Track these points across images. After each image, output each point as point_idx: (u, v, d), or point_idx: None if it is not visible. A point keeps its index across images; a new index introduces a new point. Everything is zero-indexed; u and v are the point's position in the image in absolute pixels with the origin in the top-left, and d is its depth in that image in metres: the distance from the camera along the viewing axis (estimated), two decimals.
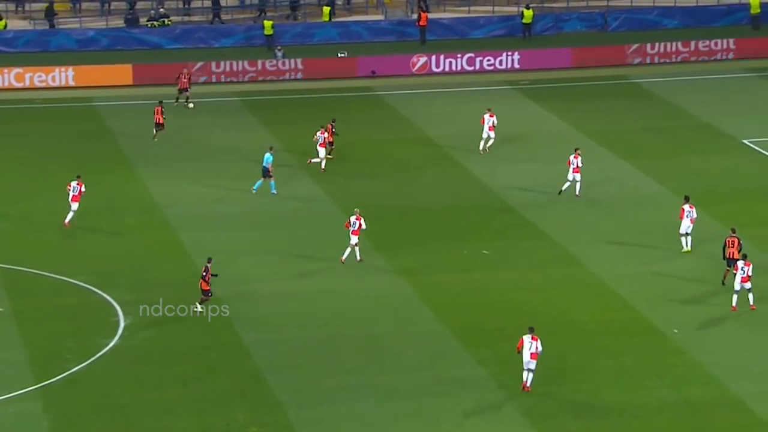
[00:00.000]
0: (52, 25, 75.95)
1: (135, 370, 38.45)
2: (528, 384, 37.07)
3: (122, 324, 41.21)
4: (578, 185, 51.59)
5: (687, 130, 61.05)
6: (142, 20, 76.79)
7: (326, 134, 54.91)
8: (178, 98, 63.22)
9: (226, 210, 51.10)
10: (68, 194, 48.61)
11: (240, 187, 53.23)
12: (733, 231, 43.90)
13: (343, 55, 71.91)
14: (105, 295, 43.19)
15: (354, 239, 45.31)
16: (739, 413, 36.11)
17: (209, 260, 41.85)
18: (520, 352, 37.07)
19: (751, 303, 41.97)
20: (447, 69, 71.06)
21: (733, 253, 43.35)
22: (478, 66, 71.21)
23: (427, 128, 61.21)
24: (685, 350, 39.49)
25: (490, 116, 56.99)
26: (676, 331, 40.78)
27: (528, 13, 75.75)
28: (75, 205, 48.53)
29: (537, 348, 36.92)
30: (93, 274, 44.72)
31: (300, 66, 70.02)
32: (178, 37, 74.60)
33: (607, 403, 36.58)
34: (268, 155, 52.28)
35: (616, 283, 44.07)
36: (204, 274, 41.52)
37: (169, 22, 76.41)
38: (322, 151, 54.70)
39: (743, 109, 63.85)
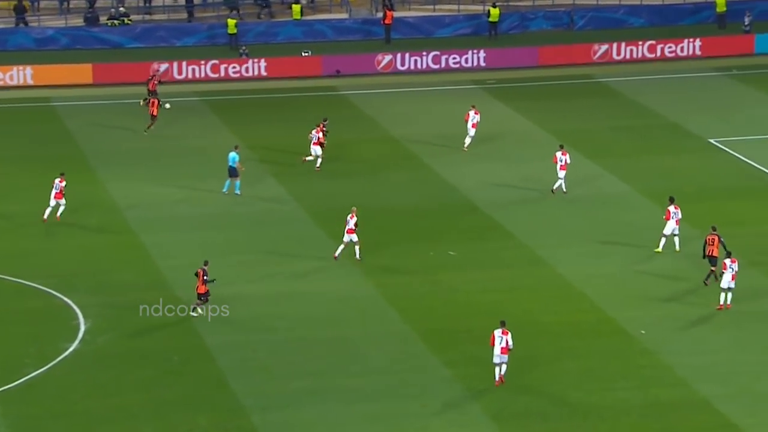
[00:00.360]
0: (24, 23, 75.12)
1: (95, 375, 38.03)
2: (502, 374, 37.19)
3: (83, 328, 40.78)
4: (559, 182, 51.49)
5: (653, 129, 61.01)
6: (102, 19, 76.04)
7: (320, 134, 54.55)
8: (145, 99, 62.56)
9: (189, 211, 50.70)
10: (51, 190, 48.56)
11: (202, 188, 52.81)
12: (714, 229, 43.79)
13: (307, 54, 71.49)
14: (65, 299, 42.75)
15: (349, 237, 45.15)
16: (707, 414, 36.06)
17: (205, 263, 41.44)
18: (493, 346, 37.23)
19: (728, 302, 41.89)
20: (412, 68, 70.75)
21: (713, 251, 43.25)
22: (443, 65, 70.97)
23: (392, 128, 60.92)
24: (652, 351, 39.40)
25: (475, 113, 56.73)
26: (643, 332, 40.68)
27: (494, 12, 75.55)
28: (59, 201, 48.49)
29: (507, 342, 37.06)
30: (53, 278, 44.26)
31: (263, 65, 69.52)
32: (138, 36, 74.03)
33: (573, 405, 36.45)
34: (233, 154, 51.89)
35: (582, 284, 43.94)
36: (205, 277, 41.05)
37: (130, 21, 75.77)
38: (315, 150, 54.32)
39: (710, 109, 63.87)
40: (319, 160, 54.49)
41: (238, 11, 77.54)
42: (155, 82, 62.97)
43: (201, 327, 40.78)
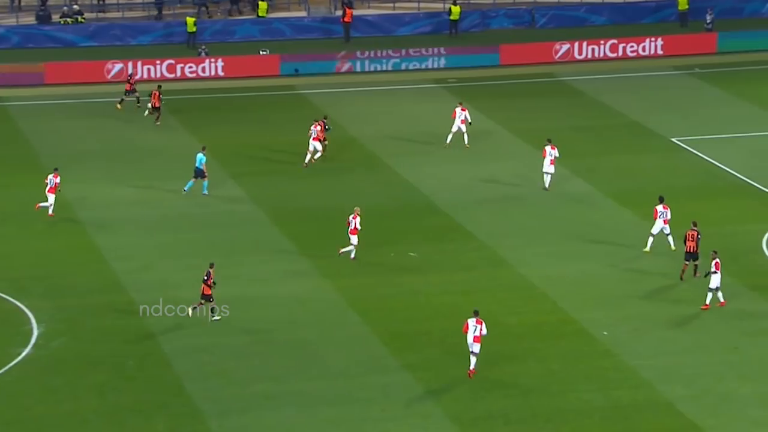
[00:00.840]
0: None
1: (48, 381, 37.50)
2: (472, 367, 37.36)
3: (35, 332, 40.21)
4: (550, 178, 51.37)
5: (616, 129, 60.84)
6: (55, 17, 75.14)
7: (319, 128, 54.16)
8: (139, 100, 61.97)
9: (144, 213, 50.10)
10: (46, 186, 48.51)
11: (159, 190, 52.21)
12: (694, 225, 43.84)
13: (264, 52, 70.80)
14: (17, 303, 42.10)
15: (353, 239, 44.94)
16: (669, 417, 35.93)
17: (211, 265, 40.95)
18: (466, 333, 37.46)
19: (708, 302, 41.92)
20: (372, 67, 70.19)
21: (692, 246, 43.32)
22: (403, 64, 70.41)
23: (351, 128, 60.42)
24: (614, 353, 39.21)
25: (462, 110, 56.48)
26: (605, 333, 40.41)
27: (455, 10, 75.19)
28: (51, 197, 48.45)
29: (481, 331, 37.27)
30: (4, 281, 43.59)
31: (221, 64, 68.80)
32: (92, 35, 73.19)
33: (535, 407, 36.26)
34: (200, 155, 51.42)
35: (545, 285, 43.69)
36: (206, 278, 40.62)
37: (83, 20, 74.88)
38: (314, 145, 54.01)
39: (672, 108, 63.81)
40: (308, 156, 54.11)
41: (207, 8, 76.82)
42: (132, 82, 62.21)
43: (157, 331, 40.27)
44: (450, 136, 56.71)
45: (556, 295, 42.88)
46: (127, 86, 62.04)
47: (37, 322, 40.76)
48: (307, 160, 54.37)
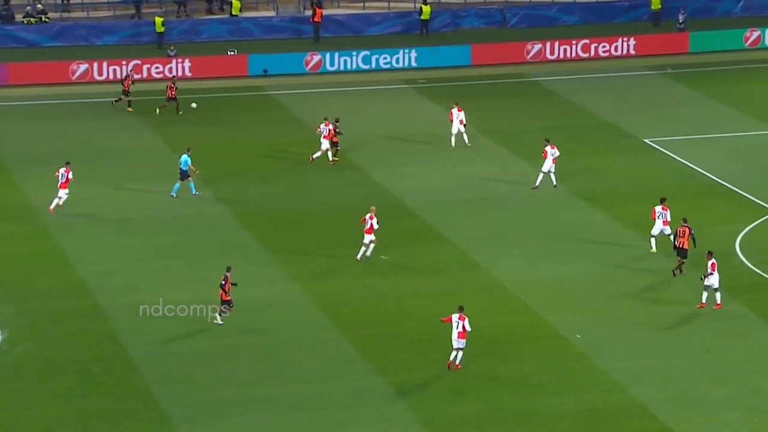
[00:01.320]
0: None
1: (13, 387, 37.09)
2: (457, 362, 37.63)
3: None
4: (548, 176, 51.30)
5: (588, 129, 60.70)
6: (18, 17, 74.44)
7: (330, 127, 54.02)
8: (120, 99, 61.36)
9: (111, 215, 49.66)
10: (57, 180, 48.28)
11: (125, 190, 51.80)
12: (684, 221, 43.82)
13: (233, 53, 70.27)
14: None
15: (367, 238, 44.74)
16: (643, 420, 35.81)
17: (228, 269, 40.59)
18: (446, 323, 37.84)
19: (714, 301, 41.80)
20: (342, 67, 69.82)
21: (683, 243, 43.26)
22: (374, 64, 70.13)
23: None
24: (588, 356, 39.05)
25: (459, 110, 56.15)
26: (578, 336, 40.21)
27: (426, 9, 74.92)
28: (62, 192, 48.39)
29: (464, 327, 37.48)
30: None
31: (188, 65, 68.20)
32: (56, 35, 72.58)
33: (507, 411, 36.11)
34: (185, 157, 51.06)
35: (517, 288, 43.45)
36: (223, 283, 40.27)
37: (47, 19, 74.23)
38: (324, 143, 53.75)
39: (644, 108, 63.71)
40: (319, 153, 53.99)
41: (185, 7, 76.23)
42: (129, 81, 61.72)
43: (123, 336, 39.83)
44: (453, 139, 56.38)
45: (529, 298, 42.63)
46: (125, 85, 61.48)
47: (1, 327, 40.28)
48: (327, 157, 54.06)
